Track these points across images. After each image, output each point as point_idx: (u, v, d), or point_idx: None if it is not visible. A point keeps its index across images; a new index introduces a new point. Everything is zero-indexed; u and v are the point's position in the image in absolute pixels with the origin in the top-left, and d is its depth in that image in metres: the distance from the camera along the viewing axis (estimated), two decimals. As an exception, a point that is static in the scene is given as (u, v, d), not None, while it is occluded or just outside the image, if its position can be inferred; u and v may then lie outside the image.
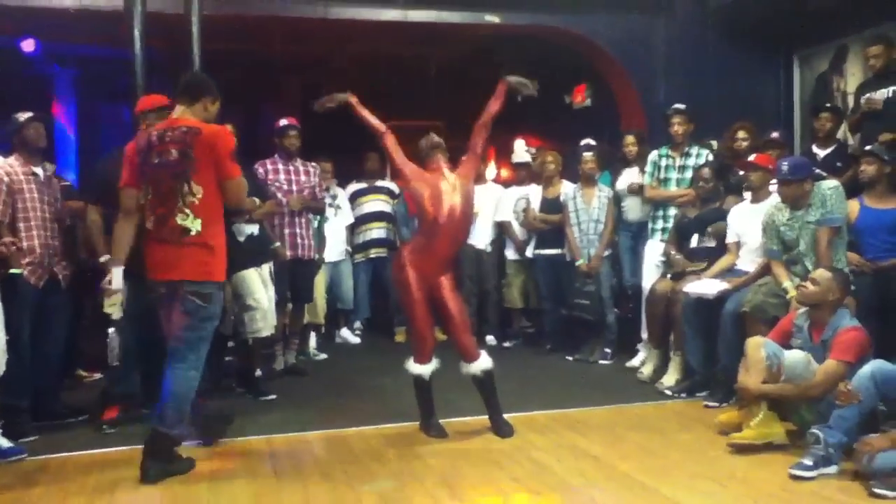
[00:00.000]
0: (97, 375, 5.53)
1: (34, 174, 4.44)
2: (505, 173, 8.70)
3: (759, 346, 3.99)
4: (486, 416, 4.37)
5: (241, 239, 5.01)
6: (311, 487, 3.49)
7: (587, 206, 6.07)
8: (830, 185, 4.52)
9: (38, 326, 4.37)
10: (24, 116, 4.46)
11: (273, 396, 5.10)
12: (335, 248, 6.79)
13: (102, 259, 4.47)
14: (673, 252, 5.37)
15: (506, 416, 4.53)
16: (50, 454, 4.00)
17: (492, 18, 6.79)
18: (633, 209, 6.06)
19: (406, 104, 10.16)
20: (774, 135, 5.55)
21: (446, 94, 9.82)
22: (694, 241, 5.31)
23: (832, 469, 3.48)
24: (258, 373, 5.25)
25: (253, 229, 5.06)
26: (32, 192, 4.39)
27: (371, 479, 3.59)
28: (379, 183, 7.48)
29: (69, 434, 4.38)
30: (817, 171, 4.81)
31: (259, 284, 5.04)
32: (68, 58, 9.55)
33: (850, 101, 6.17)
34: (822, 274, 3.99)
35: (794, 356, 3.79)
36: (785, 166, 4.50)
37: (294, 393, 5.28)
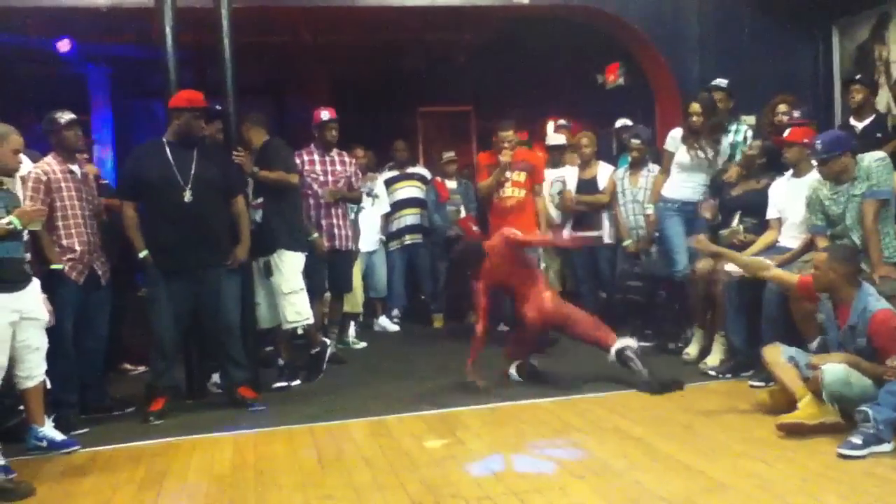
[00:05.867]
0: (141, 368, 5.62)
1: (71, 172, 4.50)
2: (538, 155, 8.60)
3: (777, 351, 3.98)
4: (525, 402, 4.46)
5: None
6: (354, 475, 3.51)
7: (633, 188, 5.99)
8: (876, 157, 4.40)
9: (81, 322, 4.46)
10: (64, 118, 4.48)
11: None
12: (369, 237, 6.82)
13: (141, 254, 4.53)
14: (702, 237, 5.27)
15: (546, 400, 4.53)
16: (99, 446, 4.08)
17: (520, 0, 6.71)
18: (685, 187, 5.54)
19: (435, 90, 10.16)
20: (796, 114, 5.39)
21: (475, 78, 9.78)
22: (736, 220, 5.21)
23: (885, 447, 3.39)
24: (280, 361, 5.26)
25: (255, 216, 4.99)
26: (70, 190, 4.45)
27: (414, 465, 3.60)
28: (410, 170, 7.49)
29: (117, 426, 4.47)
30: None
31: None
32: (102, 57, 9.67)
33: (894, 70, 6.00)
34: (817, 257, 3.93)
35: (833, 375, 3.63)
36: (819, 144, 4.39)
37: (334, 381, 5.31)
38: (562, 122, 7.52)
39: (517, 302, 5.03)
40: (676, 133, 5.59)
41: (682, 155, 5.51)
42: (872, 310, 3.70)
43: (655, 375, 4.69)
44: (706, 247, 4.68)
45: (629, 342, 4.84)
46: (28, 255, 3.98)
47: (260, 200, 5.05)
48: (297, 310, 5.05)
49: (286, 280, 5.02)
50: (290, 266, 5.05)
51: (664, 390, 4.58)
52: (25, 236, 3.96)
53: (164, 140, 4.61)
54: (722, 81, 5.73)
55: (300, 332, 5.30)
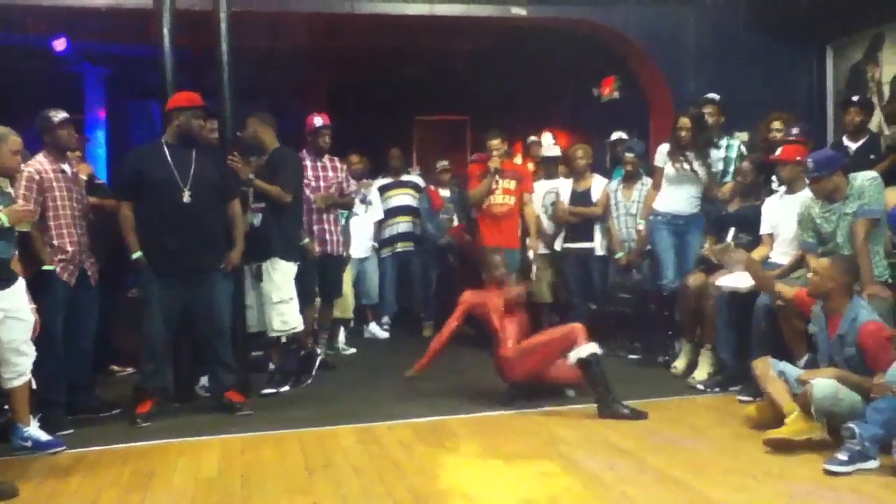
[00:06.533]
0: (129, 370, 5.58)
1: (63, 171, 4.47)
2: (531, 167, 8.64)
3: (767, 365, 4.00)
4: (515, 412, 4.48)
5: None
6: (342, 482, 3.49)
7: (626, 201, 6.01)
8: (868, 176, 4.44)
9: (70, 322, 4.43)
10: (57, 116, 4.45)
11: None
12: (361, 244, 6.81)
13: (135, 256, 4.51)
14: (709, 246, 5.29)
15: (535, 410, 4.54)
16: (85, 447, 4.05)
17: (518, 11, 6.74)
18: (675, 200, 5.59)
19: (432, 99, 10.18)
20: (795, 131, 5.42)
21: (472, 88, 9.81)
22: (730, 235, 5.24)
23: (870, 464, 3.41)
24: (271, 366, 5.24)
25: (254, 220, 4.98)
26: (62, 189, 4.42)
27: (402, 473, 3.59)
28: (404, 177, 7.51)
29: (104, 427, 4.44)
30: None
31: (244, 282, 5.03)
32: (98, 56, 9.66)
33: (886, 91, 6.06)
34: (820, 263, 4.00)
35: (823, 391, 3.65)
36: (810, 163, 4.44)
37: (323, 387, 5.30)
38: (533, 138, 7.56)
39: (494, 351, 4.83)
40: (664, 148, 5.65)
41: (669, 168, 5.57)
42: (863, 321, 3.76)
43: (611, 396, 4.40)
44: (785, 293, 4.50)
45: (594, 349, 4.47)
46: (15, 253, 3.95)
47: (262, 205, 5.03)
48: (285, 319, 5.02)
49: (277, 289, 4.99)
50: (282, 275, 5.02)
51: (612, 416, 4.33)
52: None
53: (163, 141, 4.61)
54: (713, 95, 5.79)
55: (284, 339, 5.28)
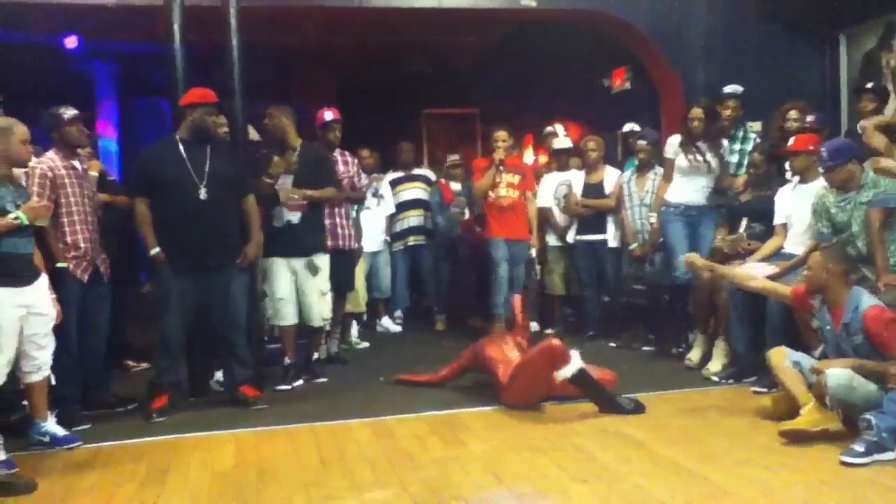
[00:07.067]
0: (144, 365, 5.61)
1: (73, 168, 4.48)
2: (543, 159, 8.62)
3: (782, 355, 3.98)
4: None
5: (278, 224, 5.02)
6: (356, 475, 3.51)
7: (639, 191, 5.99)
8: (884, 164, 4.41)
9: (83, 318, 4.44)
10: (67, 113, 4.44)
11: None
12: (373, 238, 6.82)
13: (153, 252, 4.52)
14: (722, 237, 5.27)
15: (548, 403, 4.52)
16: (101, 442, 4.08)
17: (528, 3, 6.71)
18: (687, 191, 5.58)
19: (441, 92, 10.17)
20: (809, 118, 5.37)
21: (481, 81, 9.79)
22: (742, 226, 5.21)
23: (888, 455, 3.38)
24: (286, 360, 5.25)
25: (293, 217, 5.05)
26: (74, 186, 4.42)
27: (416, 466, 3.59)
28: (415, 171, 7.51)
29: (119, 423, 4.47)
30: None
31: (280, 275, 5.08)
32: (108, 54, 9.70)
33: (901, 78, 6.01)
34: (812, 257, 3.99)
35: (836, 379, 3.62)
36: (824, 152, 4.40)
37: (337, 382, 5.31)
38: (549, 128, 7.56)
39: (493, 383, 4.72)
40: (674, 140, 5.61)
41: (681, 160, 5.53)
42: (865, 307, 3.73)
43: (607, 396, 4.36)
44: (697, 263, 4.70)
45: (577, 365, 4.27)
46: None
47: (304, 203, 5.09)
48: (330, 308, 5.36)
49: (324, 281, 5.23)
50: (327, 268, 5.25)
51: (612, 413, 4.27)
52: None
53: (178, 137, 4.62)
54: (738, 88, 5.74)
55: (328, 328, 5.57)
